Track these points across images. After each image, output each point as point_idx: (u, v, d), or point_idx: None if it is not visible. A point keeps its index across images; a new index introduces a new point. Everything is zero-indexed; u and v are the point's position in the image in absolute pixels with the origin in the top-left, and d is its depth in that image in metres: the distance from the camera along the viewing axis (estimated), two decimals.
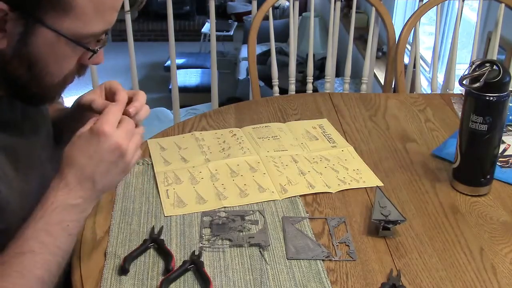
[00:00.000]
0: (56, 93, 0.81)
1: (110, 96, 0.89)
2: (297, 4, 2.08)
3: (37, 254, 0.74)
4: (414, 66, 2.12)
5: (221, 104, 2.10)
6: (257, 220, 1.02)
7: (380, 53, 3.41)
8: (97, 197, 0.82)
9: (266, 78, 2.48)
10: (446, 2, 2.63)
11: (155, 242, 0.95)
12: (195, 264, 0.90)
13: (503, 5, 1.90)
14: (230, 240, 0.96)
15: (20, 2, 0.69)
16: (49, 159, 0.92)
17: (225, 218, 1.02)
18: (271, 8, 1.93)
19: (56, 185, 0.77)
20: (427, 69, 3.16)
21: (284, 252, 0.94)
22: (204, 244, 0.95)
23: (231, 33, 6.03)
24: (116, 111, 0.81)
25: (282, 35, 4.30)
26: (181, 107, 2.58)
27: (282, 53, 4.43)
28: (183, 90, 3.52)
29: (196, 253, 0.92)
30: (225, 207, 1.06)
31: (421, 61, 2.99)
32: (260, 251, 0.94)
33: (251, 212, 1.04)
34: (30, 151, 0.87)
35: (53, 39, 0.72)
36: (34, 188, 0.84)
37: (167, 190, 1.10)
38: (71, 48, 0.75)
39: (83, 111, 0.91)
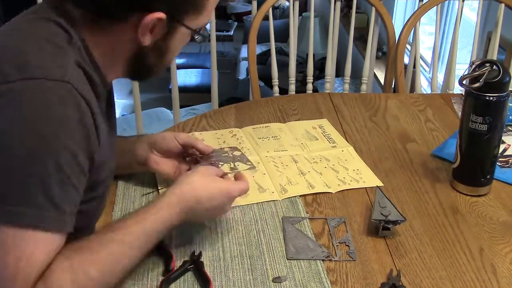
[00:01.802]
0: (163, 69, 0.93)
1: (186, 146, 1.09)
2: (297, 4, 2.07)
3: (131, 249, 0.82)
4: (414, 66, 2.12)
5: (221, 104, 2.10)
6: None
7: (380, 53, 3.41)
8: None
9: (266, 78, 2.48)
10: (446, 2, 2.63)
11: None
12: (195, 264, 0.90)
13: (503, 5, 1.90)
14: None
15: (173, 9, 0.81)
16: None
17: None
18: (271, 8, 1.93)
19: (174, 204, 0.87)
20: (427, 69, 3.16)
21: (284, 252, 0.94)
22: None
23: (231, 33, 6.03)
24: (246, 190, 0.95)
25: (282, 35, 4.30)
26: (181, 107, 2.57)
27: (282, 53, 4.43)
28: (183, 90, 3.51)
29: (196, 253, 0.92)
30: None
31: (421, 61, 2.99)
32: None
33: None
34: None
35: (186, 34, 0.86)
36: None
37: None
38: (190, 36, 0.88)
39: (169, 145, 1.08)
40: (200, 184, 0.89)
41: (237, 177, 0.98)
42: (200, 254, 0.92)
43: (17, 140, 0.69)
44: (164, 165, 1.09)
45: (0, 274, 0.69)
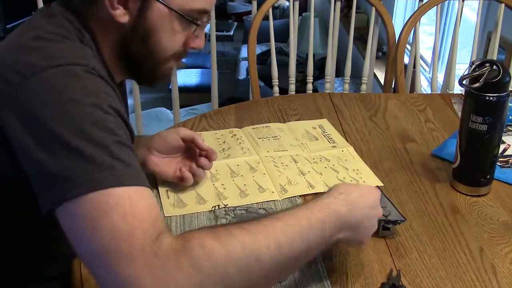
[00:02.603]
0: (164, 71, 0.91)
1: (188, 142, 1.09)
2: (297, 4, 2.07)
3: (289, 228, 0.73)
4: (414, 66, 2.12)
5: (221, 104, 2.10)
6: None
7: (380, 53, 3.41)
8: (344, 236, 0.82)
9: (266, 78, 2.48)
10: (446, 2, 2.63)
11: None
12: None
13: (503, 5, 1.90)
14: None
15: None
16: None
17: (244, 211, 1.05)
18: (271, 8, 1.93)
19: (335, 195, 0.82)
20: (427, 69, 3.16)
21: None
22: None
23: (231, 33, 6.03)
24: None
25: (282, 35, 4.30)
26: (181, 107, 2.57)
27: (282, 53, 4.43)
28: (183, 90, 3.52)
29: None
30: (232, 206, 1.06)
31: (421, 61, 2.99)
32: None
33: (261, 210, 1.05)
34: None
35: (165, 13, 0.82)
36: None
37: (167, 190, 1.10)
38: (179, 23, 0.85)
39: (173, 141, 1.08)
40: (346, 186, 0.86)
41: None
42: None
43: (61, 120, 0.68)
44: (164, 166, 1.08)
45: (117, 239, 0.62)
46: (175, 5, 0.83)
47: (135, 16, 0.82)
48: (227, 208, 1.05)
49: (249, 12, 5.94)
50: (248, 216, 1.03)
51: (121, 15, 0.82)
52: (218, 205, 1.06)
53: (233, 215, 1.03)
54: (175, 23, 0.85)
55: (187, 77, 5.00)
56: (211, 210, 1.05)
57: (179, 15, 0.84)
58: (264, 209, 1.06)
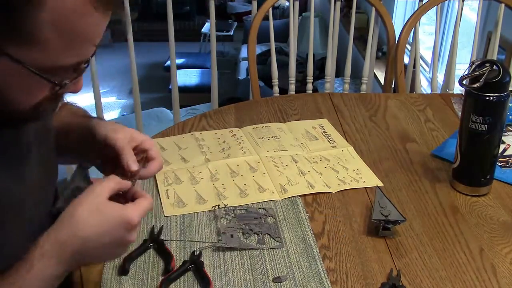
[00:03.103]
0: (30, 118, 0.73)
1: (138, 148, 0.89)
2: (297, 4, 2.07)
3: None
4: (414, 66, 2.12)
5: (221, 104, 2.10)
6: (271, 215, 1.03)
7: (380, 53, 3.41)
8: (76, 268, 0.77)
9: (266, 78, 2.48)
10: (446, 2, 2.63)
11: (155, 242, 0.95)
12: (195, 264, 0.90)
13: (503, 5, 1.90)
14: (251, 230, 0.99)
15: None
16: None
17: (244, 211, 1.04)
18: (271, 8, 1.93)
19: (49, 252, 0.70)
20: (427, 69, 3.16)
21: (284, 253, 0.94)
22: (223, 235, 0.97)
23: (231, 33, 6.04)
24: (149, 207, 0.78)
25: (282, 35, 4.30)
26: (181, 107, 2.58)
27: (282, 53, 4.43)
28: (183, 90, 3.52)
29: (196, 253, 0.92)
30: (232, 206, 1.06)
31: (421, 61, 2.99)
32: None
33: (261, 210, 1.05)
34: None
35: (17, 70, 0.64)
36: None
37: (167, 190, 1.10)
38: (37, 79, 0.65)
39: (105, 143, 0.87)
40: (83, 219, 0.71)
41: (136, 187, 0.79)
42: (200, 254, 0.92)
43: None
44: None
45: None
46: (31, 61, 0.63)
47: None
48: (227, 208, 1.05)
49: (249, 12, 5.94)
50: (248, 216, 1.03)
51: None
52: (218, 205, 1.06)
53: (233, 215, 1.03)
54: (30, 80, 0.65)
55: (187, 77, 5.00)
56: (211, 210, 1.05)
57: (33, 72, 0.64)
58: (264, 208, 1.06)
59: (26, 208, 0.76)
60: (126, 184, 0.79)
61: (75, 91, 0.74)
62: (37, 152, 0.82)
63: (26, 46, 0.62)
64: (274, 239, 0.97)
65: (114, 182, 0.76)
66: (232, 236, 0.97)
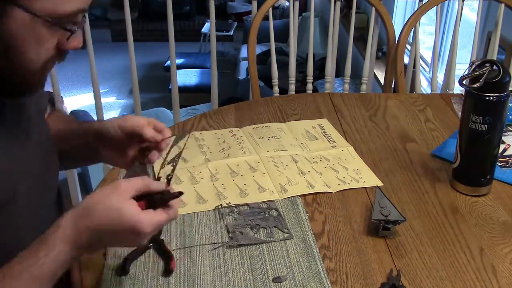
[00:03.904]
0: (36, 82, 0.77)
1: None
2: (297, 4, 2.07)
3: None
4: (414, 66, 2.12)
5: (221, 104, 2.10)
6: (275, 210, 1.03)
7: (380, 53, 3.41)
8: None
9: (266, 78, 2.48)
10: (446, 2, 2.63)
11: (155, 242, 0.95)
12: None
13: (503, 5, 1.90)
14: (258, 225, 1.00)
15: None
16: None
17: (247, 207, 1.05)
18: (271, 8, 1.93)
19: (68, 238, 0.72)
20: (427, 69, 3.16)
21: (284, 253, 0.94)
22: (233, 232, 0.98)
23: (231, 33, 6.03)
24: (165, 221, 0.76)
25: (282, 35, 4.30)
26: (181, 107, 2.58)
27: (282, 53, 4.43)
28: (183, 90, 3.52)
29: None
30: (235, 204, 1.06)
31: (421, 61, 2.99)
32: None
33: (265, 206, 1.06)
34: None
35: (28, 21, 0.69)
36: None
37: None
38: (48, 29, 0.71)
39: (120, 133, 0.91)
40: (99, 214, 0.72)
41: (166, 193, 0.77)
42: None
43: None
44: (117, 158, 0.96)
45: None
46: (40, 10, 0.69)
47: None
48: (230, 207, 1.05)
49: (249, 12, 5.94)
50: (252, 212, 1.03)
51: None
52: (221, 204, 1.06)
53: (237, 212, 1.04)
54: (42, 31, 0.71)
55: (187, 77, 5.00)
56: (215, 209, 1.05)
57: (46, 21, 0.70)
58: (266, 202, 1.07)
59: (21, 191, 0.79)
60: (156, 185, 0.77)
61: (76, 46, 0.76)
62: (37, 131, 0.86)
63: None
64: (282, 231, 0.99)
65: (142, 183, 0.76)
66: (241, 233, 0.98)
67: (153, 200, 0.75)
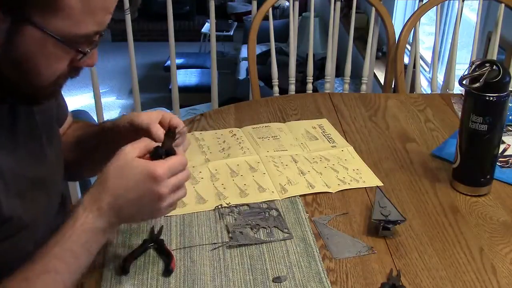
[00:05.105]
0: (48, 94, 0.79)
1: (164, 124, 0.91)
2: (297, 4, 2.08)
3: (60, 274, 0.75)
4: (414, 66, 2.12)
5: (221, 104, 2.10)
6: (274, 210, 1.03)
7: (380, 53, 3.41)
8: (120, 225, 0.82)
9: (266, 78, 2.48)
10: (446, 2, 2.63)
11: (155, 242, 0.95)
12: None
13: (503, 5, 1.90)
14: (258, 225, 1.00)
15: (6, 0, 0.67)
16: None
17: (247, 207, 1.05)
18: (271, 8, 1.93)
19: (88, 206, 0.76)
20: (427, 69, 3.16)
21: (284, 253, 0.94)
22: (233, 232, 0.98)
23: (231, 33, 6.03)
24: (177, 163, 0.79)
25: (282, 35, 4.30)
26: (181, 107, 2.58)
27: (282, 53, 4.43)
28: (183, 90, 3.52)
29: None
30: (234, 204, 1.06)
31: (421, 61, 2.99)
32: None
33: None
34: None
35: (41, 39, 0.69)
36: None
37: None
38: (61, 49, 0.72)
39: (132, 129, 0.91)
40: (111, 175, 0.77)
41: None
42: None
43: None
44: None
45: None
46: (55, 30, 0.69)
47: (2, 39, 0.69)
48: (229, 207, 1.05)
49: (249, 12, 5.94)
50: (252, 212, 1.03)
51: None
52: (221, 204, 1.06)
53: (237, 212, 1.04)
54: (55, 50, 0.71)
55: (187, 77, 5.00)
56: (215, 209, 1.05)
57: (58, 40, 0.70)
58: (266, 202, 1.06)
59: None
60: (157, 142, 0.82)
61: (91, 64, 0.78)
62: (46, 136, 0.89)
63: (50, 13, 0.68)
64: (282, 232, 0.99)
65: (144, 142, 0.80)
66: (241, 233, 0.98)
67: (157, 153, 0.80)
